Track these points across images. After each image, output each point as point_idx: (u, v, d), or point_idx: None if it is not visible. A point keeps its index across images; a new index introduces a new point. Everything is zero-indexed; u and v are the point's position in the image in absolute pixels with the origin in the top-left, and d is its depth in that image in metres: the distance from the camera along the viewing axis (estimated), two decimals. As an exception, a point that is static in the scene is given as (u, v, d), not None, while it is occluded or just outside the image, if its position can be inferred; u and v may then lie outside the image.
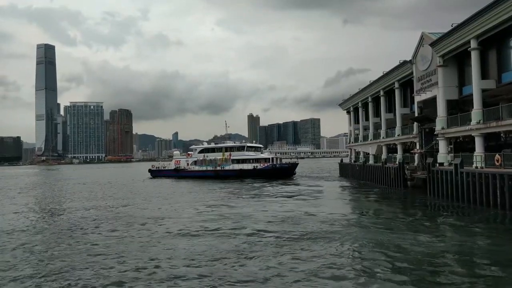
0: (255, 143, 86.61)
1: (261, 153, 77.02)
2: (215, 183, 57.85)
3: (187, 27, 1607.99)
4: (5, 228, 24.39)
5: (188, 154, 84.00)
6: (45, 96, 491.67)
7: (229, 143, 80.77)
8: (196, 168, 76.08)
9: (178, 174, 76.84)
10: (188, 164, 78.04)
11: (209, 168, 73.82)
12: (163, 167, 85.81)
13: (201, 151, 78.13)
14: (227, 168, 71.56)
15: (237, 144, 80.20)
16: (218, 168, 72.56)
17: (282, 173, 68.74)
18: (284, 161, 79.76)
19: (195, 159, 77.35)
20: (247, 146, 75.31)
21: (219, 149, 75.56)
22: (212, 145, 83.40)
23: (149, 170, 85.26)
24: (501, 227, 21.44)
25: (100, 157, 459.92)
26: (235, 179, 63.62)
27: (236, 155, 72.27)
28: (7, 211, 33.07)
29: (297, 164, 75.27)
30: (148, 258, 16.19)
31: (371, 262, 14.78)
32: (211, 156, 74.85)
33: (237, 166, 70.62)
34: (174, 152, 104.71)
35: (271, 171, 68.15)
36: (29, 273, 14.66)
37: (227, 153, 73.01)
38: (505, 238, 18.75)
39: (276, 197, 37.94)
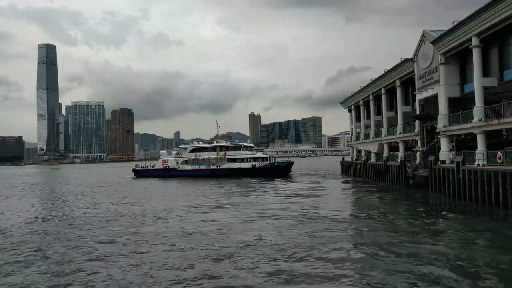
0: (249, 142, 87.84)
1: (256, 152, 78.71)
2: (218, 182, 57.92)
3: (188, 27, 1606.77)
4: None
5: (178, 154, 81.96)
6: (46, 96, 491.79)
7: (223, 143, 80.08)
8: (188, 167, 74.54)
9: (168, 174, 74.09)
10: (178, 163, 76.27)
11: (203, 167, 73.13)
12: (145, 166, 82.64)
13: (192, 151, 76.93)
14: (223, 167, 71.51)
15: (232, 143, 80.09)
16: (213, 167, 72.20)
17: (280, 171, 70.43)
18: (277, 160, 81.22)
19: (186, 158, 75.97)
20: (244, 146, 76.23)
21: (213, 148, 75.19)
22: (201, 144, 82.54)
23: (133, 170, 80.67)
24: (504, 226, 21.40)
25: (102, 156, 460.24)
26: (235, 178, 63.76)
27: (232, 154, 72.53)
28: None
29: (293, 162, 77.56)
30: (150, 256, 16.25)
31: (372, 262, 14.76)
32: (204, 155, 74.20)
33: (234, 165, 70.82)
34: (161, 151, 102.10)
35: (270, 169, 69.34)
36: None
37: (221, 152, 72.98)
38: (507, 238, 18.71)
39: (278, 196, 37.93)
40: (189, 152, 77.17)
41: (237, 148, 75.05)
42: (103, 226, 23.99)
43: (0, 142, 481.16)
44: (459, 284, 12.22)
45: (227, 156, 72.31)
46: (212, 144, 79.19)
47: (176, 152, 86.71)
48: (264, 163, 70.94)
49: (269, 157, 75.77)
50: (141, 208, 32.02)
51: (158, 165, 78.98)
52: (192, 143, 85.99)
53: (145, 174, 78.33)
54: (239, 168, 69.86)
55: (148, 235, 20.73)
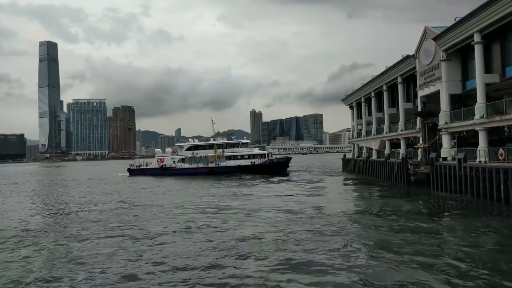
0: (246, 139, 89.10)
1: (254, 149, 79.92)
2: (219, 180, 58.00)
3: (188, 23, 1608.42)
4: None
5: (174, 152, 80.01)
6: (48, 94, 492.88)
7: (219, 140, 79.83)
8: (186, 165, 73.30)
9: (165, 172, 72.21)
10: (174, 162, 74.38)
11: (201, 165, 72.52)
12: (139, 165, 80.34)
13: (189, 149, 75.67)
14: (222, 164, 71.20)
15: (229, 141, 79.67)
16: (212, 165, 71.73)
17: (280, 167, 70.99)
18: (275, 156, 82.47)
19: (183, 156, 74.55)
20: (242, 143, 76.35)
21: (210, 146, 74.70)
22: (197, 141, 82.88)
23: (128, 170, 79.03)
24: (506, 223, 21.37)
25: (104, 153, 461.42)
26: (234, 175, 63.69)
27: (231, 151, 72.41)
28: None
29: (291, 158, 79.16)
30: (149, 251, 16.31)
31: (373, 261, 14.73)
32: (201, 153, 73.46)
33: (233, 163, 70.67)
34: (156, 150, 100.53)
35: (269, 166, 69.25)
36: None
37: (219, 150, 72.61)
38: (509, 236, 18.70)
39: (279, 193, 37.92)
40: (185, 150, 75.86)
41: (235, 145, 74.55)
42: (94, 225, 24.07)
43: (2, 139, 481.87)
44: (462, 281, 12.22)
45: (225, 154, 72.04)
46: (209, 142, 78.61)
47: (171, 150, 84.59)
48: (264, 160, 71.00)
49: (267, 153, 76.39)
50: (148, 205, 32.12)
51: (154, 163, 76.94)
52: (188, 141, 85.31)
53: (141, 173, 76.11)
54: (238, 166, 69.70)
55: (148, 227, 20.84)
